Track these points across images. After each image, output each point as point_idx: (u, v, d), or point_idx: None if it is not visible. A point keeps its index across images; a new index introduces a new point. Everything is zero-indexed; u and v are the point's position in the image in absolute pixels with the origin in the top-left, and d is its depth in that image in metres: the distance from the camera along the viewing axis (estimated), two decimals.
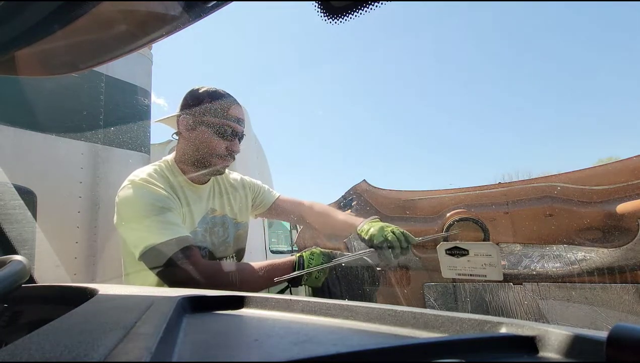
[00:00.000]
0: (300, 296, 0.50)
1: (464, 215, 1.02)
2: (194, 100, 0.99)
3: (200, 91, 1.00)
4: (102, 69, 1.58)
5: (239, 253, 1.14)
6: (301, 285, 0.94)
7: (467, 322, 0.33)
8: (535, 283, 0.93)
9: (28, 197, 0.90)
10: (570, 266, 0.90)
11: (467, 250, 0.84)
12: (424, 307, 1.00)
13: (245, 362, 0.26)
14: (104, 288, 0.50)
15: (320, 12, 0.32)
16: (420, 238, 0.90)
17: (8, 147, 1.28)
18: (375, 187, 1.23)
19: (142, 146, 1.71)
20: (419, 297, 1.08)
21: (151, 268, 0.84)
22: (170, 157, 1.05)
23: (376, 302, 0.45)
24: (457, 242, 0.86)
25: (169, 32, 0.43)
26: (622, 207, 0.86)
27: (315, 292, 1.00)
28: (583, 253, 0.89)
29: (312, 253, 0.91)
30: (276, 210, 1.24)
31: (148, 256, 0.82)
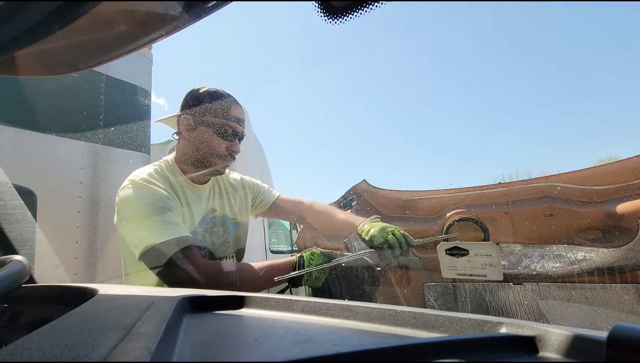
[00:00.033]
0: (300, 296, 0.50)
1: (464, 215, 1.02)
2: (195, 100, 0.99)
3: (200, 91, 1.00)
4: (102, 69, 1.58)
5: (239, 254, 1.14)
6: (301, 286, 0.94)
7: (467, 322, 0.33)
8: (535, 283, 0.93)
9: (28, 197, 0.90)
10: (570, 266, 0.90)
11: (467, 250, 0.84)
12: (424, 307, 1.00)
13: (245, 362, 0.26)
14: (104, 288, 0.50)
15: (320, 12, 0.32)
16: (420, 239, 0.90)
17: (8, 147, 1.28)
18: (375, 187, 1.23)
19: (142, 146, 1.71)
20: (419, 297, 1.08)
21: (151, 268, 0.84)
22: (170, 157, 1.06)
23: (376, 302, 0.45)
24: (457, 242, 0.86)
25: (169, 32, 0.43)
26: (622, 207, 0.86)
27: (315, 292, 1.00)
28: (583, 253, 0.89)
29: (312, 254, 0.91)
30: (276, 209, 1.24)
31: (148, 256, 0.82)
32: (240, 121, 1.02)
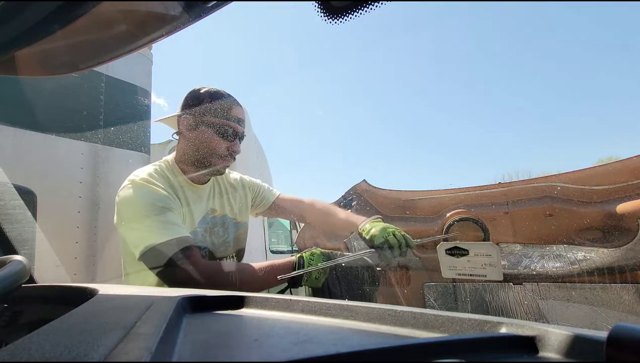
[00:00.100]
0: (300, 296, 0.50)
1: (464, 215, 1.02)
2: (195, 101, 0.99)
3: (201, 91, 1.00)
4: (102, 69, 1.58)
5: (239, 254, 1.14)
6: (301, 286, 0.94)
7: (467, 322, 0.33)
8: (535, 283, 0.93)
9: (28, 197, 0.90)
10: (570, 266, 0.90)
11: (467, 250, 0.84)
12: (424, 307, 1.00)
13: (245, 362, 0.26)
14: (104, 288, 0.50)
15: (320, 12, 0.32)
16: (420, 239, 0.90)
17: (8, 147, 1.28)
18: (375, 187, 1.23)
19: (142, 146, 1.71)
20: (419, 297, 1.08)
21: (151, 268, 0.84)
22: (170, 157, 1.06)
23: (376, 302, 0.45)
24: (457, 242, 0.86)
25: (169, 32, 0.43)
26: (622, 207, 0.86)
27: (315, 292, 1.00)
28: (583, 253, 0.89)
29: (312, 254, 0.91)
30: (276, 208, 1.24)
31: (148, 256, 0.82)
32: (240, 121, 1.02)
